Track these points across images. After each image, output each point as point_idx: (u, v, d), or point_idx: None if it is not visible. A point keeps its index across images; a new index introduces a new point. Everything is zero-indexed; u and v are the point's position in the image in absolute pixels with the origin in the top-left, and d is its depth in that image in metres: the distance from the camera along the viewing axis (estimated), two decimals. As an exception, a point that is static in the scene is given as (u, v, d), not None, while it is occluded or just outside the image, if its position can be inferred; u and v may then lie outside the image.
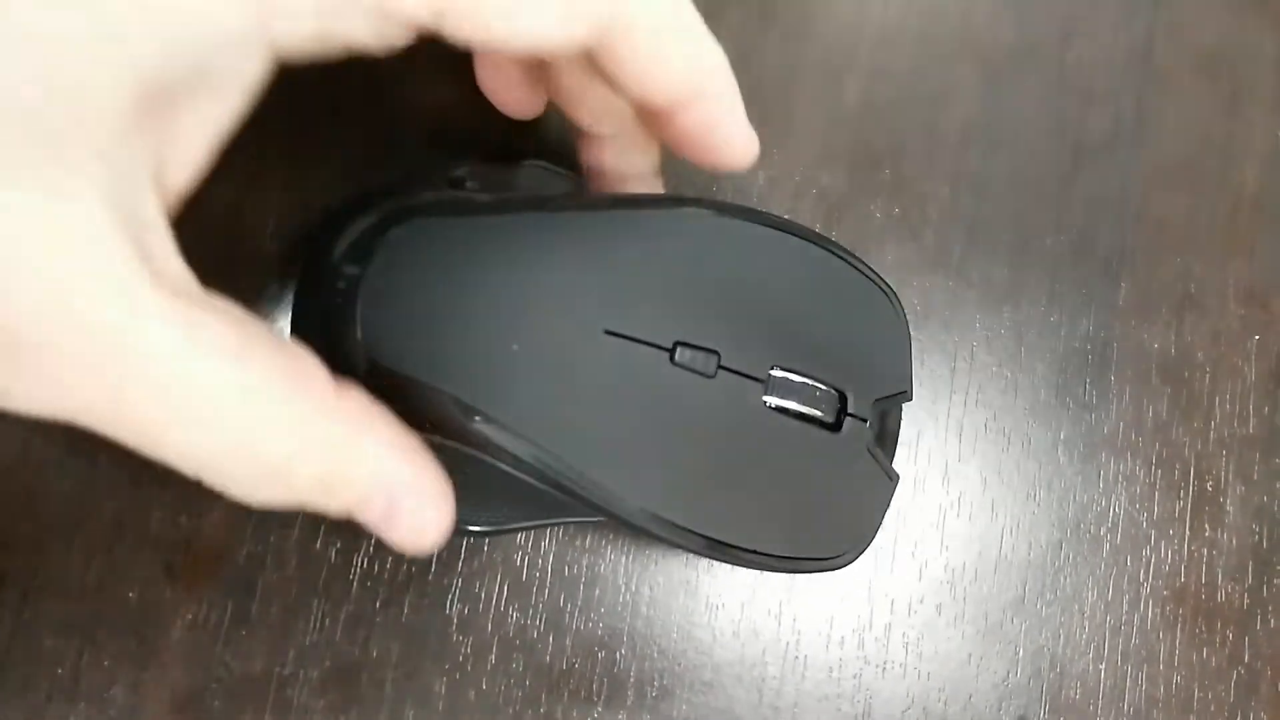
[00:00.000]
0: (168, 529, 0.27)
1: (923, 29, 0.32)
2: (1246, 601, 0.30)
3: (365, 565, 0.27)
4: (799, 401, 0.22)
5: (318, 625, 0.27)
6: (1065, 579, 0.29)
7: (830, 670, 0.28)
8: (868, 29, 0.32)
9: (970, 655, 0.29)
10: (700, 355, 0.21)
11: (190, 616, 0.27)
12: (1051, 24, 0.33)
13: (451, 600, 0.27)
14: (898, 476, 0.24)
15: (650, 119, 0.23)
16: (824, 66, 0.31)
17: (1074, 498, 0.30)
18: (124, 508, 0.27)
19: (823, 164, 0.31)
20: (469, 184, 0.26)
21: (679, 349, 0.21)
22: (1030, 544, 0.30)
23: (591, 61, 0.20)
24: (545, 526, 0.27)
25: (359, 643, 0.27)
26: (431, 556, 0.27)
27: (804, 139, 0.31)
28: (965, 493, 0.30)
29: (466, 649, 0.27)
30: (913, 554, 0.29)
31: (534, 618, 0.28)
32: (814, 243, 0.23)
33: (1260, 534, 0.30)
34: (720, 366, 0.22)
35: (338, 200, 0.26)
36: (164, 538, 0.27)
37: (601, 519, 0.25)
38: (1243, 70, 0.33)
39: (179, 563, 0.27)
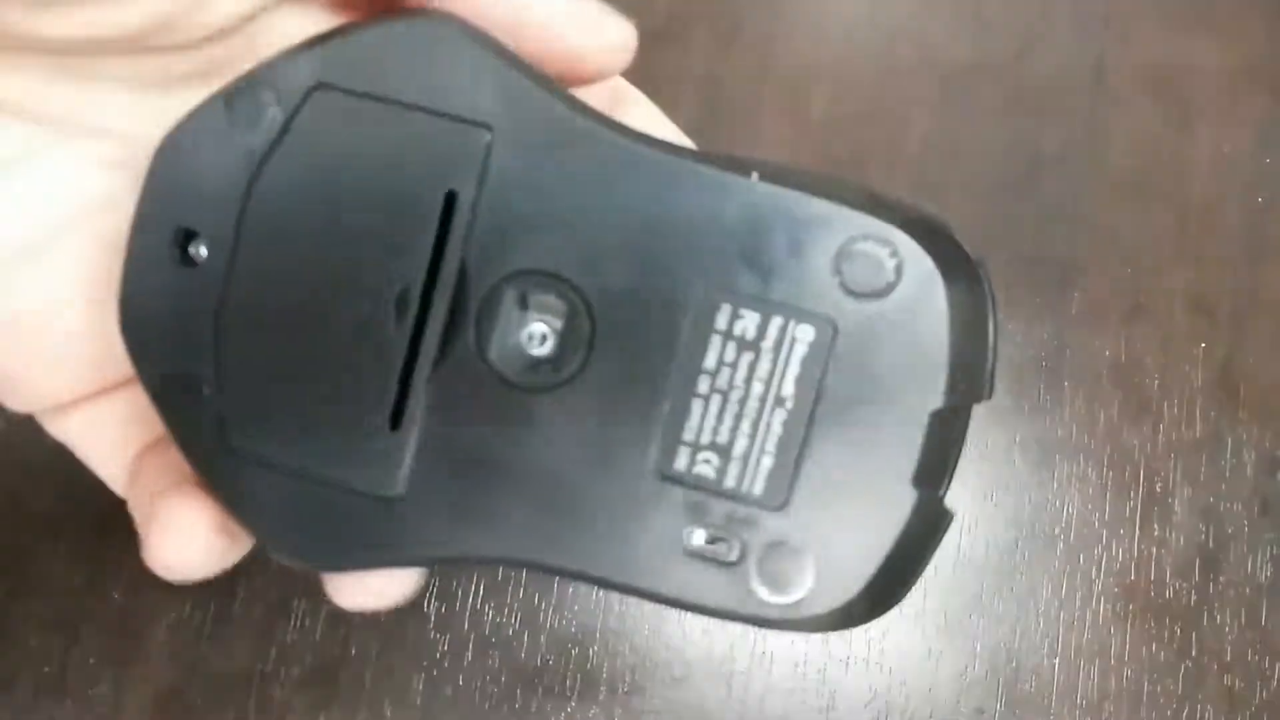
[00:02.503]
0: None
1: (883, 46, 0.33)
2: (1194, 598, 0.31)
3: (345, 565, 0.28)
4: None
5: (298, 624, 0.28)
6: (1021, 577, 0.31)
7: (796, 665, 0.29)
8: (831, 46, 0.33)
9: (930, 650, 0.30)
10: None
11: (174, 616, 0.27)
12: (1006, 41, 0.34)
13: (429, 599, 0.28)
14: None
15: None
16: (789, 82, 0.33)
17: (1029, 498, 0.31)
18: (109, 509, 0.27)
19: (788, 176, 0.32)
20: None
21: None
22: (988, 543, 0.31)
23: None
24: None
25: (339, 641, 0.28)
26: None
27: (770, 151, 0.32)
28: (925, 494, 0.31)
29: (444, 646, 0.28)
30: (875, 553, 0.30)
31: (509, 616, 0.28)
32: None
33: (1207, 533, 0.31)
34: None
35: None
36: (148, 539, 0.27)
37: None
38: (1190, 87, 0.34)
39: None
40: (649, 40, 0.33)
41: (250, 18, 0.18)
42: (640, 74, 0.32)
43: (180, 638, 0.27)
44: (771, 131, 0.32)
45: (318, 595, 0.28)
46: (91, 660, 0.27)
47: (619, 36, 0.18)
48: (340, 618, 0.28)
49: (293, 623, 0.28)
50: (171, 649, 0.27)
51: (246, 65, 0.18)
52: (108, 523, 0.27)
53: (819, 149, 0.32)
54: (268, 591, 0.28)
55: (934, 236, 0.17)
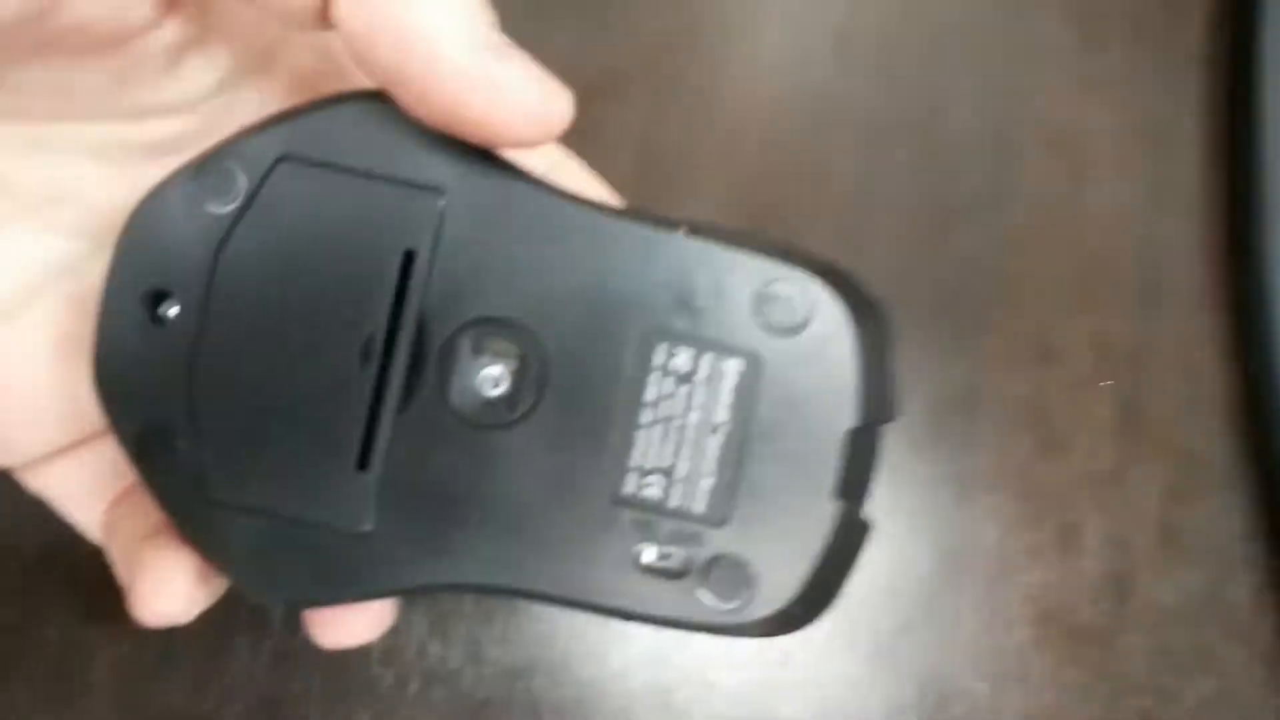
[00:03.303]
0: (94, 565, 0.27)
1: (808, 105, 0.35)
2: (1106, 623, 0.32)
3: (289, 602, 0.28)
4: None
5: (242, 661, 0.28)
6: (945, 604, 0.32)
7: (735, 693, 0.30)
8: (759, 105, 0.35)
9: (862, 677, 0.31)
10: None
11: (114, 654, 0.27)
12: (920, 102, 0.36)
13: (375, 633, 0.28)
14: None
15: None
16: (721, 139, 0.34)
17: (951, 528, 0.32)
18: (43, 544, 0.27)
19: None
20: None
21: None
22: (913, 571, 0.32)
23: None
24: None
25: (282, 677, 0.28)
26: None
27: (703, 203, 0.34)
28: (855, 526, 0.32)
29: (389, 680, 0.28)
30: (809, 583, 0.31)
31: (454, 649, 0.29)
32: None
33: (1117, 560, 0.33)
34: None
35: None
36: (89, 574, 0.27)
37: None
38: (1086, 146, 0.37)
39: (104, 600, 0.27)
40: (588, 96, 0.34)
41: (211, 94, 0.20)
42: (579, 129, 0.33)
43: (121, 677, 0.27)
44: (705, 185, 0.34)
45: (261, 631, 0.28)
46: (28, 702, 0.26)
47: (543, 109, 0.19)
48: (284, 654, 0.28)
49: (236, 659, 0.27)
50: (112, 689, 0.27)
51: (206, 141, 0.19)
52: (42, 558, 0.27)
53: (749, 202, 0.34)
54: (209, 628, 0.27)
55: (840, 280, 0.20)
